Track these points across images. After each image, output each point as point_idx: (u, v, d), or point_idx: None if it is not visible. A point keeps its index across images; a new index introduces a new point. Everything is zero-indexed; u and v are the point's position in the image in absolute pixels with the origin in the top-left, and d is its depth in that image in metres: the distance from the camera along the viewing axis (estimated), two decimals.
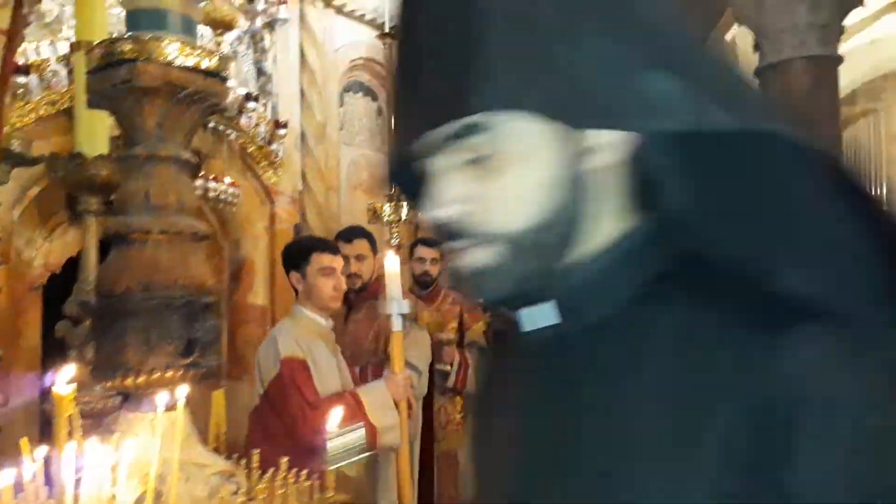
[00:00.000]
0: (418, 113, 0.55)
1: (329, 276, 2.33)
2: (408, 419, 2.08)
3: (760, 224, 0.53)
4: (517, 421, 0.59)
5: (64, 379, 1.44)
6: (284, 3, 4.49)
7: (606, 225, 0.56)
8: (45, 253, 3.64)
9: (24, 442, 1.31)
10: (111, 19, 2.59)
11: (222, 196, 4.03)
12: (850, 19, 9.90)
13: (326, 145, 4.87)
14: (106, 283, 1.52)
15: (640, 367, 0.51)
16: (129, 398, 1.55)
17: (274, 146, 4.42)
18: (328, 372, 2.30)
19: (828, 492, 0.45)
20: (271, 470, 1.61)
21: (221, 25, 3.66)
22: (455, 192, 0.54)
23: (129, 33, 1.53)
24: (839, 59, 8.67)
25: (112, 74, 1.49)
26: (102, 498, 1.25)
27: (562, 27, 0.51)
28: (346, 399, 2.10)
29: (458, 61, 0.51)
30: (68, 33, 3.16)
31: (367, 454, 2.06)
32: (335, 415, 1.68)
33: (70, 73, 3.00)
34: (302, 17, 4.73)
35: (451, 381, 3.40)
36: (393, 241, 4.29)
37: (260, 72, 4.45)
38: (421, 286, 3.66)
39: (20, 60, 2.98)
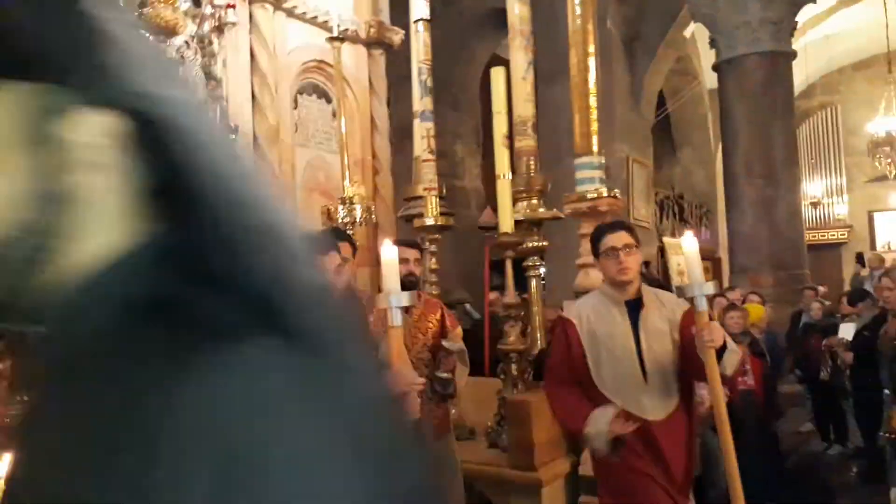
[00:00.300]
0: None
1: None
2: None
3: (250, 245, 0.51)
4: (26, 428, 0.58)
5: None
6: (233, 6, 4.47)
7: (96, 241, 0.52)
8: None
9: None
10: None
11: None
12: (805, 16, 10.15)
13: (280, 148, 4.85)
14: None
15: (100, 388, 0.49)
16: None
17: None
18: None
19: None
20: None
21: (165, 31, 3.64)
22: None
23: None
24: (792, 55, 8.90)
25: None
26: None
27: None
28: None
29: None
30: None
31: None
32: None
33: None
34: (252, 21, 4.71)
35: (451, 390, 3.35)
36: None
37: (209, 76, 4.43)
38: (402, 288, 3.61)
39: None
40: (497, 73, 4.06)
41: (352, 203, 4.28)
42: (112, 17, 0.51)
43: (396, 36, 5.71)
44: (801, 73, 12.87)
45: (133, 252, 0.52)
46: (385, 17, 5.78)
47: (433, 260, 4.45)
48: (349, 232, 4.29)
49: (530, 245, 4.41)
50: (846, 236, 14.75)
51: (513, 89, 4.43)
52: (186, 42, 4.30)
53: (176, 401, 0.44)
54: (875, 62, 13.22)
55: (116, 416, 0.46)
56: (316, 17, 5.11)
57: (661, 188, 12.19)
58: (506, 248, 4.26)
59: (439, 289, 4.56)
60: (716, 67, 9.17)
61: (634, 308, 2.52)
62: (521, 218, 4.36)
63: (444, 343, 3.39)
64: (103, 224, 0.52)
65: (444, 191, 5.15)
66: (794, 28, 8.78)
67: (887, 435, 3.96)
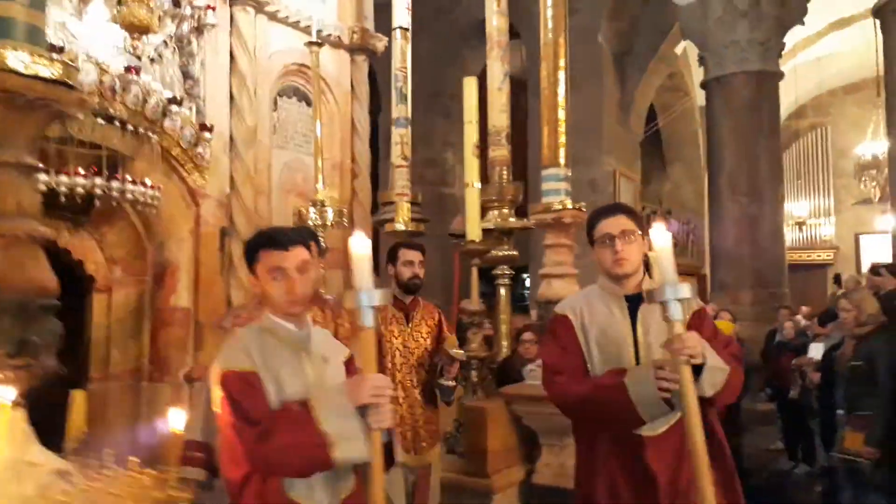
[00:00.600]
0: None
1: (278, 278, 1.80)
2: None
3: None
4: None
5: None
6: (213, 8, 4.51)
7: None
8: None
9: None
10: None
11: (141, 198, 4.04)
12: (796, 37, 10.23)
13: (257, 149, 4.89)
14: None
15: None
16: None
17: (200, 149, 4.43)
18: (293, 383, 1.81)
19: None
20: (115, 468, 1.65)
21: (138, 29, 3.68)
22: None
23: None
24: (780, 75, 8.98)
25: None
26: None
27: None
28: (290, 408, 1.70)
29: None
30: None
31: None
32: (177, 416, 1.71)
33: None
34: (232, 23, 4.75)
35: (453, 398, 3.32)
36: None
37: (186, 75, 4.47)
38: (407, 291, 3.46)
39: None
40: (469, 83, 4.10)
41: (323, 205, 4.31)
42: None
43: (380, 43, 5.76)
44: (792, 94, 12.98)
45: None
46: (370, 23, 5.83)
47: None
48: (321, 235, 4.32)
49: (499, 254, 4.46)
50: (832, 257, 14.82)
51: (488, 99, 4.48)
52: (165, 41, 4.35)
53: None
54: (865, 86, 13.32)
55: None
56: (299, 22, 5.16)
57: (650, 203, 12.26)
58: (472, 255, 4.30)
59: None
60: (704, 85, 9.25)
61: (636, 304, 2.12)
62: (492, 227, 4.41)
63: (452, 351, 3.36)
64: None
65: (421, 197, 5.19)
66: (782, 49, 8.86)
67: (840, 455, 3.99)
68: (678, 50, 11.12)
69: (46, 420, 2.07)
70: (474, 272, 4.17)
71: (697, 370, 1.88)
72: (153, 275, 4.55)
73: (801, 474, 6.20)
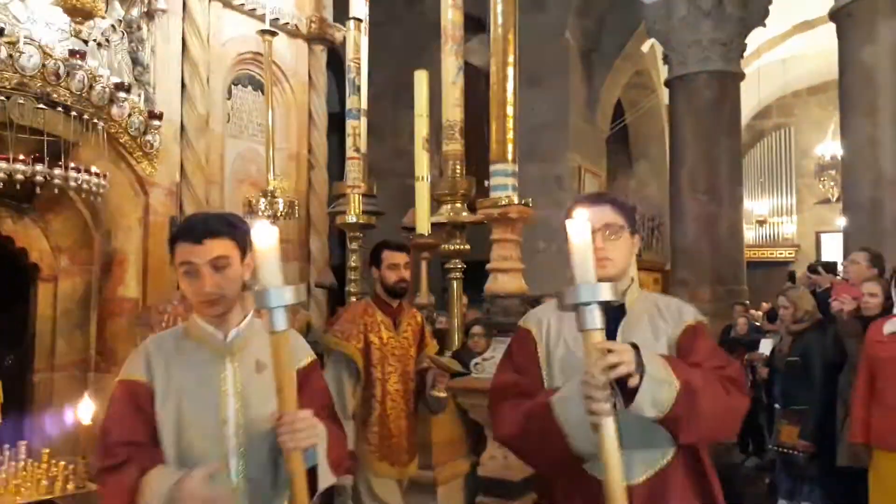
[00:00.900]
0: None
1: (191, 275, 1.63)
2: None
3: None
4: None
5: None
6: None
7: None
8: None
9: None
10: None
11: (86, 186, 3.98)
12: (761, 38, 10.36)
13: (209, 138, 4.84)
14: None
15: None
16: None
17: (149, 137, 4.37)
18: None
19: None
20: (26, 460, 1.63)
21: (81, 14, 3.61)
22: None
23: None
24: (741, 76, 9.10)
25: None
26: None
27: None
28: (140, 466, 1.53)
29: None
30: None
31: None
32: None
33: None
34: (185, 9, 4.69)
35: (443, 408, 3.19)
36: None
37: (136, 62, 4.40)
38: (393, 295, 3.24)
39: None
40: (420, 76, 4.11)
41: (274, 196, 4.28)
42: None
43: (339, 33, 5.72)
44: (757, 95, 13.15)
45: None
46: (329, 13, 5.79)
47: (353, 258, 4.47)
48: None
49: (451, 248, 4.47)
50: (793, 255, 15.10)
51: (442, 93, 4.48)
52: (113, 26, 4.27)
53: None
54: (828, 87, 13.54)
55: None
56: (254, 10, 5.10)
57: None
58: (422, 249, 4.31)
59: (360, 288, 4.58)
60: (668, 83, 9.34)
61: (617, 315, 1.70)
62: (444, 220, 4.41)
63: (443, 359, 3.25)
64: None
65: (388, 189, 5.18)
66: (744, 50, 8.98)
67: (777, 448, 4.08)
68: (645, 48, 11.21)
69: None
70: (423, 266, 4.18)
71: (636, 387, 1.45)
72: (101, 264, 4.48)
73: (750, 467, 6.33)
